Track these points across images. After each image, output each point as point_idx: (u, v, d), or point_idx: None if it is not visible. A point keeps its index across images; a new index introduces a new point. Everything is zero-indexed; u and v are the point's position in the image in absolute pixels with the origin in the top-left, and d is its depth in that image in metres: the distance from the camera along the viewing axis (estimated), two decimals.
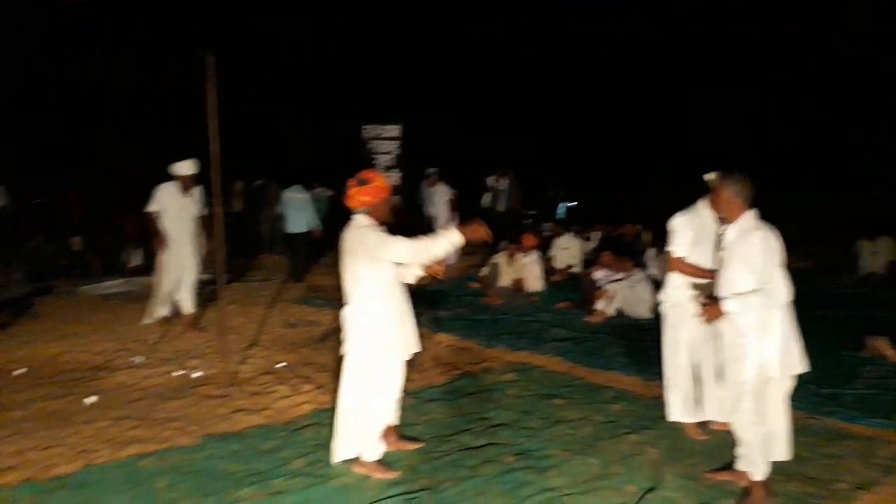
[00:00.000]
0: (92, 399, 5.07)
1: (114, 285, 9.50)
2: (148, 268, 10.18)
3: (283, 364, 5.95)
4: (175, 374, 5.69)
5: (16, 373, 5.73)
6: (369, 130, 14.86)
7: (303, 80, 22.52)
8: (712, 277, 3.97)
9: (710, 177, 4.36)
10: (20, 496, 3.65)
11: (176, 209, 6.85)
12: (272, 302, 8.52)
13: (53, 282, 9.65)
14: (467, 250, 11.75)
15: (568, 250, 9.91)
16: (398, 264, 3.87)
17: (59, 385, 5.45)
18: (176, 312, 7.22)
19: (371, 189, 3.81)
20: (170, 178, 6.88)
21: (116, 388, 5.37)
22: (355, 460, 3.94)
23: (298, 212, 10.20)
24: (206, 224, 6.85)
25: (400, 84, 22.69)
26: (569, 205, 16.19)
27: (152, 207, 6.84)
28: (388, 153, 14.66)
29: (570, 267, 9.70)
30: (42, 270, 9.99)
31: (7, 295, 8.96)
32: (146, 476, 3.89)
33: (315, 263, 10.79)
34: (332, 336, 6.72)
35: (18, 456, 4.12)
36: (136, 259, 10.75)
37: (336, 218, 14.38)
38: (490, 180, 13.18)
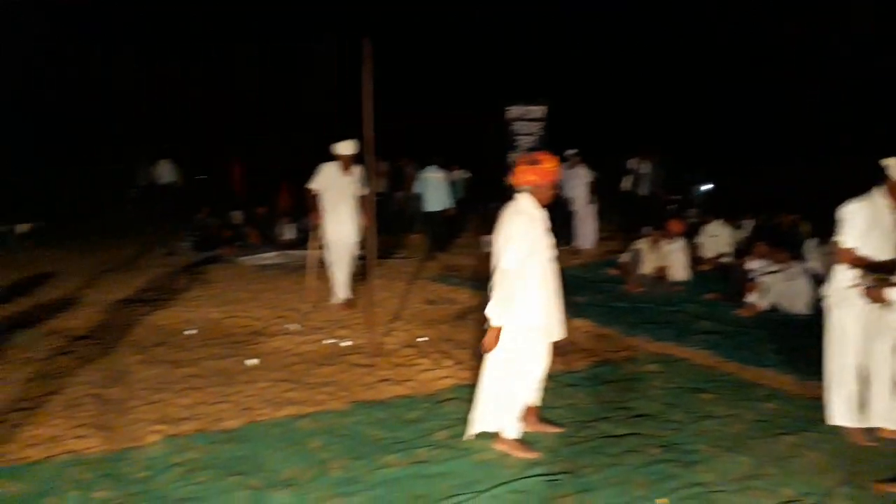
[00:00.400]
0: (253, 361, 5.49)
1: (269, 257, 10.19)
2: (301, 241, 10.83)
3: (425, 339, 6.13)
4: (326, 342, 6.03)
5: (187, 333, 6.32)
6: (513, 111, 14.73)
7: (444, 62, 22.83)
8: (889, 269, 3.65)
9: (889, 162, 3.99)
10: (195, 444, 4.03)
11: (336, 188, 7.10)
12: (413, 279, 8.78)
13: (218, 251, 10.50)
14: (605, 234, 11.56)
15: (717, 238, 9.42)
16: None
17: (224, 346, 5.94)
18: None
19: (539, 170, 3.83)
20: (331, 157, 7.17)
21: (274, 352, 5.78)
22: (495, 436, 4.00)
23: (434, 191, 10.44)
24: (364, 203, 7.10)
25: (542, 64, 22.44)
26: (704, 188, 15.23)
27: (313, 185, 7.17)
28: (530, 134, 14.51)
29: (720, 256, 9.23)
30: (208, 241, 10.89)
31: (179, 264, 9.86)
32: (302, 436, 4.17)
33: (451, 243, 10.99)
34: (470, 314, 6.84)
35: (192, 408, 4.55)
36: (289, 233, 11.44)
37: (474, 199, 14.51)
38: (631, 163, 12.75)
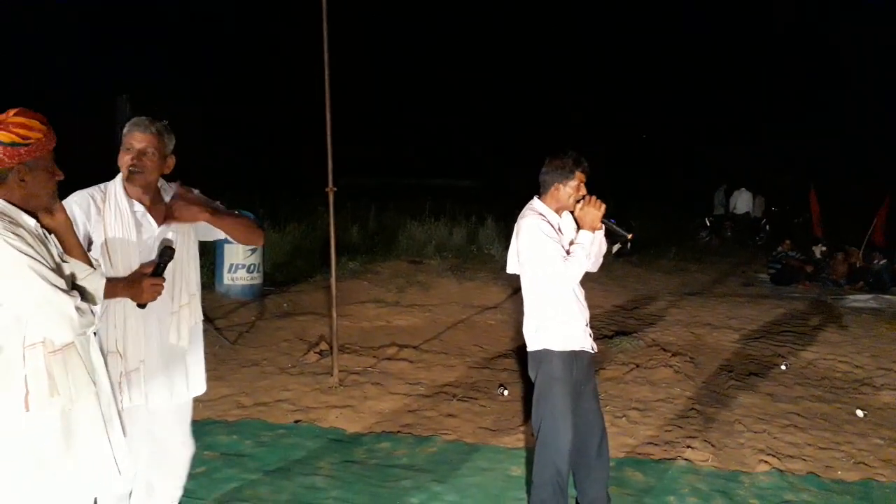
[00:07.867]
0: (860, 412, 5.05)
1: (861, 300, 9.26)
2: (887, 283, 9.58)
3: None
4: None
5: (783, 367, 6.19)
6: None
7: None
8: None
9: None
10: (807, 486, 3.93)
11: None
12: None
13: (797, 287, 10.05)
14: None
15: None
16: None
17: (823, 389, 5.62)
18: None
19: None
20: None
21: (884, 407, 5.21)
22: None
23: None
24: None
25: None
26: None
27: None
28: None
29: None
30: (788, 275, 10.51)
31: (758, 295, 9.79)
32: None
33: None
34: None
35: (799, 448, 4.43)
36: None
37: None
38: None
